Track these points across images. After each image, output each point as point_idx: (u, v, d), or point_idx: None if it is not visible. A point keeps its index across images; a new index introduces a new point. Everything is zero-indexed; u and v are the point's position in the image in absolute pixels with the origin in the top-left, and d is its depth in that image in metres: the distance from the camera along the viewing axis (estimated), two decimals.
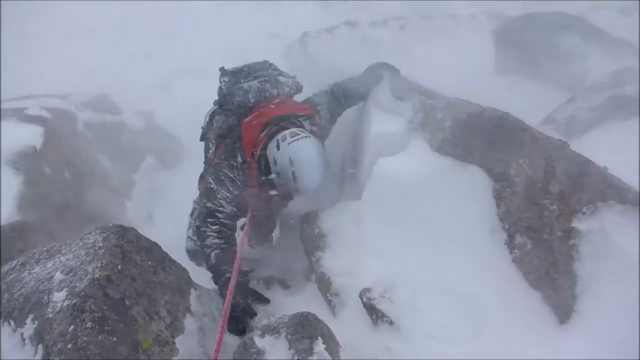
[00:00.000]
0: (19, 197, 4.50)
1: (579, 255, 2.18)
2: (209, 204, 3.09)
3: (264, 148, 3.04)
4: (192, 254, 3.60)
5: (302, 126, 3.16)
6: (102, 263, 2.34)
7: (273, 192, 3.20)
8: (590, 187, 2.22)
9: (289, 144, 2.91)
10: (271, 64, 3.60)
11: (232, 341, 2.81)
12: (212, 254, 2.99)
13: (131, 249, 2.58)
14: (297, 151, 2.90)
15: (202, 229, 3.07)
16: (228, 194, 3.09)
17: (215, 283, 2.98)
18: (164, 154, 8.31)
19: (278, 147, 2.94)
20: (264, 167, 3.05)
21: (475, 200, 2.64)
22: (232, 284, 2.63)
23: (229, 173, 3.12)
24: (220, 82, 3.46)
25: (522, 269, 2.41)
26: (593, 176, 2.26)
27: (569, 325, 2.20)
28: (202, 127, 3.64)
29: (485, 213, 2.60)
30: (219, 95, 3.48)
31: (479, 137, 2.58)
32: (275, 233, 4.21)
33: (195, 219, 3.28)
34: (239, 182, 3.12)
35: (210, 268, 3.01)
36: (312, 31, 9.30)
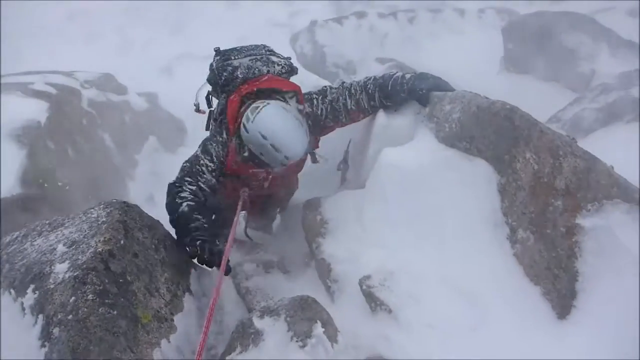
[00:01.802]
0: (22, 170, 4.50)
1: (581, 251, 2.18)
2: (191, 167, 3.08)
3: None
4: None
5: (287, 103, 3.11)
6: (105, 237, 2.35)
7: (258, 170, 3.21)
8: (596, 184, 2.22)
9: (252, 121, 2.89)
10: (266, 46, 3.53)
11: (229, 321, 2.83)
12: (184, 205, 2.88)
13: (134, 225, 2.59)
14: (263, 124, 2.87)
15: (176, 184, 3.01)
16: (210, 164, 3.08)
17: (179, 237, 2.84)
18: (167, 137, 8.31)
19: (247, 130, 2.93)
20: (247, 154, 3.06)
21: (480, 194, 2.63)
22: (220, 275, 2.59)
23: (216, 146, 3.12)
24: (213, 60, 3.43)
25: (523, 263, 2.41)
26: (599, 174, 2.25)
27: (567, 321, 2.21)
28: (194, 104, 3.58)
29: (489, 206, 2.60)
30: (209, 69, 3.45)
31: (486, 130, 2.57)
32: (276, 220, 4.22)
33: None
34: (221, 157, 3.12)
35: (179, 217, 2.85)
36: (320, 20, 9.29)
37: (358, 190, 3.18)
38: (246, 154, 3.08)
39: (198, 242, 2.69)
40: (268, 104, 2.93)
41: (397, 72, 3.29)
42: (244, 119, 2.95)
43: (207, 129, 3.55)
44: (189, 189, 2.97)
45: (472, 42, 8.17)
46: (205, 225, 2.84)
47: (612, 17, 7.39)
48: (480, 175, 2.64)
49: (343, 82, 3.42)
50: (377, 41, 8.43)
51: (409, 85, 3.13)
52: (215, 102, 3.52)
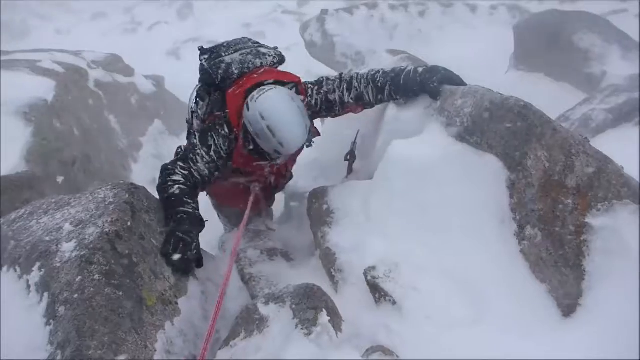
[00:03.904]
0: (27, 148, 4.51)
1: (589, 250, 2.18)
2: (186, 153, 3.05)
3: None
4: None
5: None
6: (112, 218, 2.35)
7: (263, 163, 3.19)
8: (607, 184, 2.21)
9: (256, 100, 2.86)
10: (250, 39, 3.49)
11: (232, 307, 2.84)
12: (175, 187, 2.85)
13: (141, 207, 2.60)
14: (264, 104, 2.84)
15: (169, 167, 2.97)
16: (206, 156, 3.03)
17: (167, 211, 2.77)
18: (172, 121, 8.31)
19: (248, 108, 2.90)
20: (249, 135, 3.02)
21: (488, 189, 2.62)
22: (231, 261, 2.60)
23: (216, 139, 3.07)
24: (200, 60, 3.36)
25: (529, 260, 2.40)
26: (611, 174, 2.24)
27: (572, 319, 2.20)
28: (187, 121, 3.56)
29: (497, 202, 2.58)
30: (200, 72, 3.38)
31: (499, 125, 2.56)
32: (279, 209, 4.22)
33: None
34: (222, 152, 3.07)
35: (168, 198, 2.80)
36: (331, 9, 9.23)
37: (366, 181, 3.17)
38: (251, 146, 3.05)
39: (176, 243, 2.60)
40: (274, 88, 2.92)
41: (408, 66, 3.26)
42: (248, 99, 2.93)
43: (189, 129, 3.52)
44: (181, 172, 2.94)
45: (483, 38, 8.14)
46: (196, 212, 2.81)
47: (624, 19, 7.36)
48: (490, 171, 2.62)
49: (341, 75, 3.37)
50: (387, 32, 8.40)
51: (421, 78, 3.10)
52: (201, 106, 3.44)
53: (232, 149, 3.12)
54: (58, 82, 5.63)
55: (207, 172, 3.03)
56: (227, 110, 3.10)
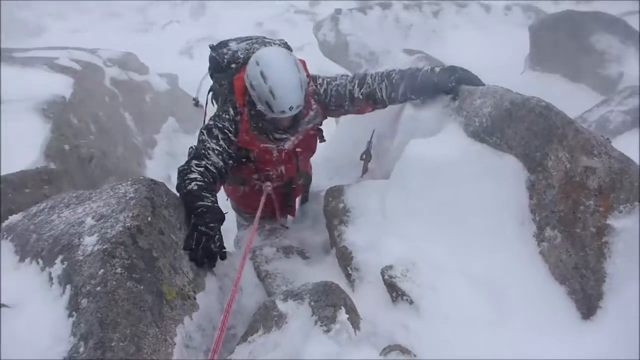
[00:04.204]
0: (46, 144, 4.56)
1: (610, 252, 2.16)
2: (197, 150, 3.09)
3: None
4: None
5: None
6: (133, 213, 2.38)
7: (269, 145, 3.20)
8: (629, 186, 2.20)
9: (255, 52, 2.97)
10: (258, 36, 3.51)
11: (248, 303, 2.85)
12: (193, 184, 2.88)
13: (161, 203, 2.62)
14: (262, 52, 2.96)
15: (184, 167, 3.01)
16: (217, 147, 3.06)
17: (187, 207, 2.82)
18: (185, 119, 8.37)
19: (249, 70, 2.94)
20: (254, 112, 3.05)
21: (507, 190, 2.61)
22: (244, 255, 2.63)
23: (222, 125, 3.11)
24: (211, 54, 3.42)
25: (549, 262, 2.39)
26: (633, 175, 2.23)
27: (591, 321, 2.19)
28: (193, 99, 3.66)
29: (516, 203, 2.58)
30: (209, 62, 3.43)
31: (519, 126, 2.55)
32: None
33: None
34: (230, 136, 3.11)
35: (187, 195, 2.85)
36: (344, 9, 9.24)
37: (382, 180, 3.17)
38: (254, 124, 3.08)
39: (199, 237, 2.65)
40: (279, 45, 3.05)
41: (424, 67, 3.26)
42: (249, 61, 2.98)
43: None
44: (197, 170, 2.97)
45: (497, 38, 8.10)
46: (216, 206, 2.84)
47: None
48: (509, 171, 2.62)
49: (355, 74, 3.38)
50: (401, 32, 8.38)
51: (438, 77, 3.10)
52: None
53: (237, 129, 3.14)
54: (75, 79, 5.70)
55: (221, 163, 3.06)
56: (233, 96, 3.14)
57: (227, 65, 3.27)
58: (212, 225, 2.69)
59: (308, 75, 3.19)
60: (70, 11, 21.19)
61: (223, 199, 3.92)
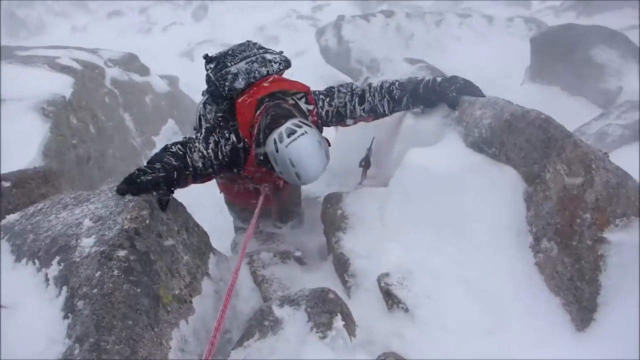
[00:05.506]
0: (45, 144, 4.55)
1: (606, 265, 2.17)
2: (186, 142, 3.05)
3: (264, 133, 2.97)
4: None
5: (297, 104, 3.13)
6: (131, 215, 2.38)
7: (273, 171, 3.15)
8: (626, 200, 2.21)
9: (286, 145, 2.80)
10: (255, 43, 3.46)
11: (244, 308, 2.85)
12: (168, 154, 2.90)
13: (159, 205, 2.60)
14: (295, 152, 2.80)
15: (168, 145, 3.01)
16: (204, 151, 3.02)
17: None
18: (185, 121, 8.37)
19: (277, 149, 2.84)
20: (263, 158, 3.02)
21: (505, 201, 2.62)
22: (240, 258, 2.62)
23: (219, 143, 3.05)
24: (207, 69, 3.35)
25: (544, 273, 2.41)
26: (630, 190, 2.24)
27: (585, 333, 2.20)
28: (194, 129, 3.58)
29: (513, 214, 2.59)
30: (207, 83, 3.39)
31: (518, 138, 2.56)
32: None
33: None
34: (221, 155, 3.05)
35: (154, 155, 2.92)
36: (347, 15, 9.28)
37: (381, 188, 3.18)
38: (262, 157, 3.05)
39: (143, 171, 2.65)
40: (305, 133, 2.83)
41: (425, 76, 3.27)
42: (276, 137, 2.85)
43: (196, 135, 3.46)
44: (177, 149, 2.96)
45: (499, 49, 8.15)
46: (174, 164, 2.82)
47: None
48: (507, 183, 2.63)
49: (352, 86, 3.34)
50: (403, 41, 8.42)
51: (440, 87, 3.11)
52: (210, 110, 3.45)
53: (239, 158, 3.11)
54: (76, 79, 5.70)
55: (200, 164, 3.01)
56: (236, 120, 3.09)
57: (228, 93, 3.19)
58: (160, 180, 2.64)
59: (312, 103, 3.20)
60: (72, 10, 21.22)
61: (216, 193, 3.94)
